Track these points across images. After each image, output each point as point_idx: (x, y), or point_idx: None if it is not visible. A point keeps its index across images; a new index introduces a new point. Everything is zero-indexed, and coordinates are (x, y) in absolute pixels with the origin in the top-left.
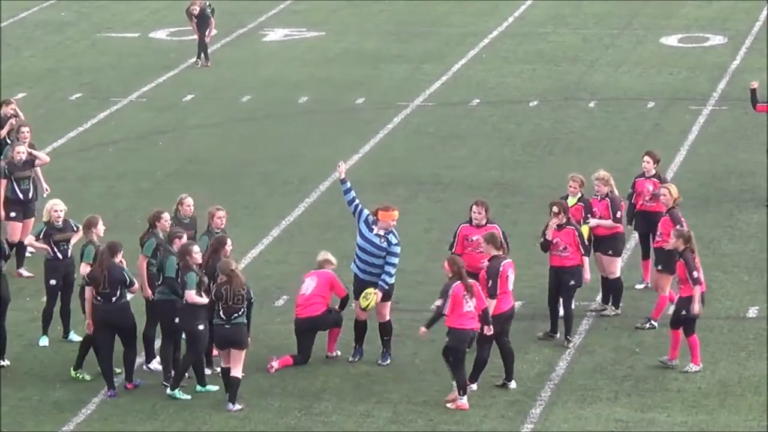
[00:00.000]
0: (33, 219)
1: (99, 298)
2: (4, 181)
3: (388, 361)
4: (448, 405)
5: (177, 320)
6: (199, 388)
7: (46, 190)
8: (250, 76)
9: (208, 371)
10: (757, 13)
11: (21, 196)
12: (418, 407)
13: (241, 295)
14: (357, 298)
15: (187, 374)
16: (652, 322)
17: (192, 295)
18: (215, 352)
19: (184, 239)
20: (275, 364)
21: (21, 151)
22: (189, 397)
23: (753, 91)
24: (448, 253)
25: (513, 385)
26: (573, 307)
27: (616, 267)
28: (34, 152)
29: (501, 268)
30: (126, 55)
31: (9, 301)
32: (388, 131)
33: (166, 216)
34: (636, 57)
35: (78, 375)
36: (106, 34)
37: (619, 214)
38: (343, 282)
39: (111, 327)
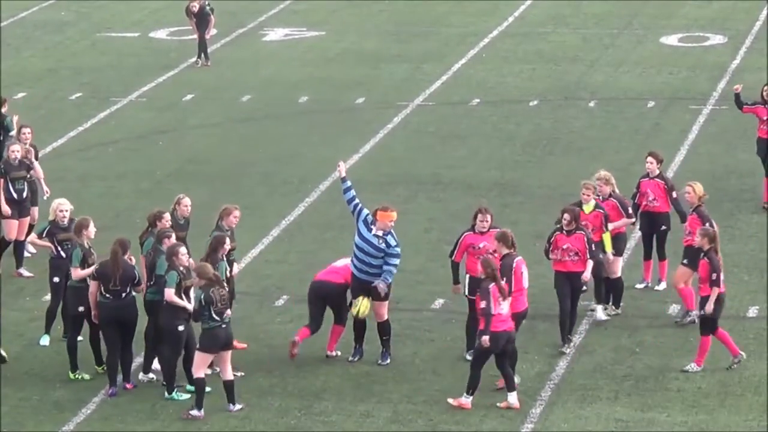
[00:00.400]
0: (28, 218)
1: (108, 295)
2: (1, 181)
3: (388, 361)
4: (450, 401)
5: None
6: (166, 395)
7: (46, 192)
8: (250, 76)
9: (208, 371)
10: (757, 13)
11: (15, 195)
12: (418, 407)
13: (225, 296)
14: (354, 297)
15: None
16: (691, 313)
17: (170, 294)
18: None
19: (173, 239)
20: (297, 338)
21: (16, 150)
22: (188, 396)
23: (737, 95)
24: (447, 254)
25: (517, 379)
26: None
27: (618, 266)
28: (34, 162)
29: (514, 265)
30: (126, 54)
31: None
32: (388, 131)
33: (167, 216)
34: (636, 57)
35: (77, 376)
36: (106, 33)
37: (630, 210)
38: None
39: (118, 323)
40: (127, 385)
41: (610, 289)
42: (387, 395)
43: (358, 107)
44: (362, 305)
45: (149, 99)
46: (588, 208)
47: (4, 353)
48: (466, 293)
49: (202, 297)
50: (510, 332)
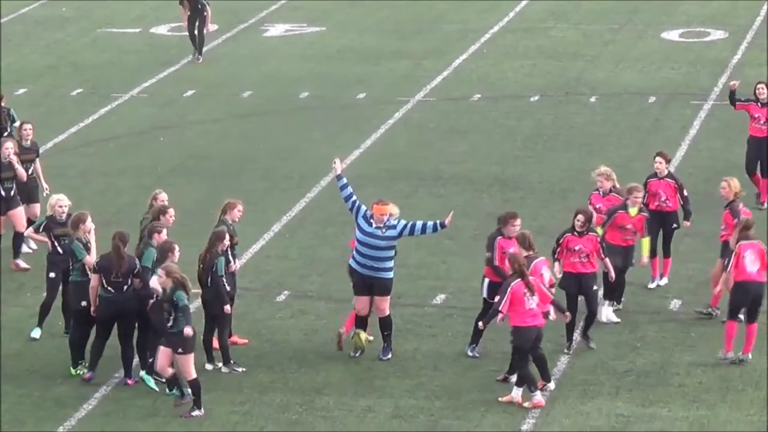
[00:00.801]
0: (19, 208)
1: (110, 288)
2: None
3: (389, 356)
4: (525, 404)
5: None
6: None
7: (46, 189)
8: (250, 72)
9: (209, 366)
10: (758, 8)
11: (3, 193)
12: (419, 402)
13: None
14: (356, 293)
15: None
16: (712, 309)
17: (155, 282)
18: (215, 345)
19: (164, 234)
20: (343, 330)
21: (9, 147)
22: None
23: (733, 92)
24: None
25: (552, 386)
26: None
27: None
28: (16, 165)
29: (532, 267)
30: (127, 50)
31: None
32: (389, 127)
33: (171, 212)
34: (637, 52)
35: (78, 372)
36: (107, 30)
37: None
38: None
39: (118, 317)
40: (129, 381)
41: (612, 285)
42: (388, 390)
43: (359, 103)
44: (359, 339)
45: (150, 95)
46: (634, 211)
47: None
48: (485, 295)
49: (185, 301)
50: (539, 328)
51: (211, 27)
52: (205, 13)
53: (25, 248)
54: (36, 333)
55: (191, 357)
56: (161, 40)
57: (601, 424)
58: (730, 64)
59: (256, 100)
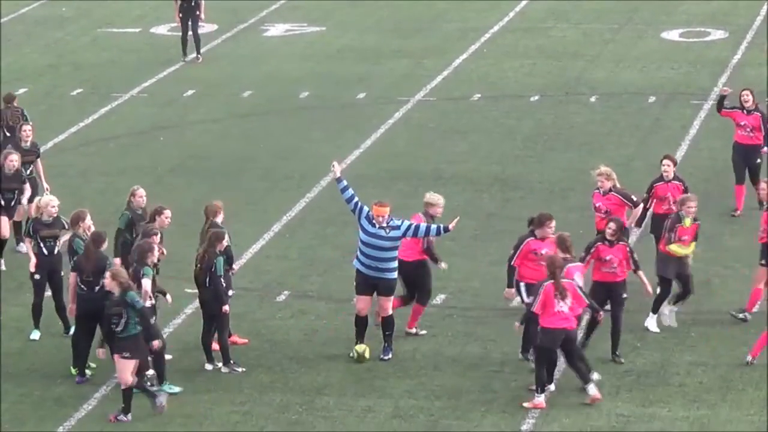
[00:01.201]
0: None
1: (83, 286)
2: None
3: (390, 356)
4: (525, 404)
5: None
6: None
7: (47, 189)
8: (250, 72)
9: (209, 366)
10: (758, 8)
11: (3, 203)
12: (419, 402)
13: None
14: (358, 292)
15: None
16: (746, 314)
17: (147, 284)
18: (215, 346)
19: (157, 238)
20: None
21: (14, 160)
22: (181, 389)
23: (722, 97)
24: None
25: (552, 387)
26: None
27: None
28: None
29: (565, 271)
30: (127, 50)
31: None
32: (389, 126)
33: (168, 213)
34: (637, 52)
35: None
36: (107, 29)
37: (635, 198)
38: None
39: (91, 316)
40: None
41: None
42: (388, 390)
43: (359, 103)
44: (363, 352)
45: (150, 95)
46: (688, 221)
47: None
48: (525, 299)
49: (141, 303)
50: (569, 331)
51: (207, 27)
52: (198, 12)
53: (23, 248)
54: (35, 335)
55: (132, 363)
56: (161, 40)
57: (601, 424)
58: (730, 64)
59: (256, 99)
